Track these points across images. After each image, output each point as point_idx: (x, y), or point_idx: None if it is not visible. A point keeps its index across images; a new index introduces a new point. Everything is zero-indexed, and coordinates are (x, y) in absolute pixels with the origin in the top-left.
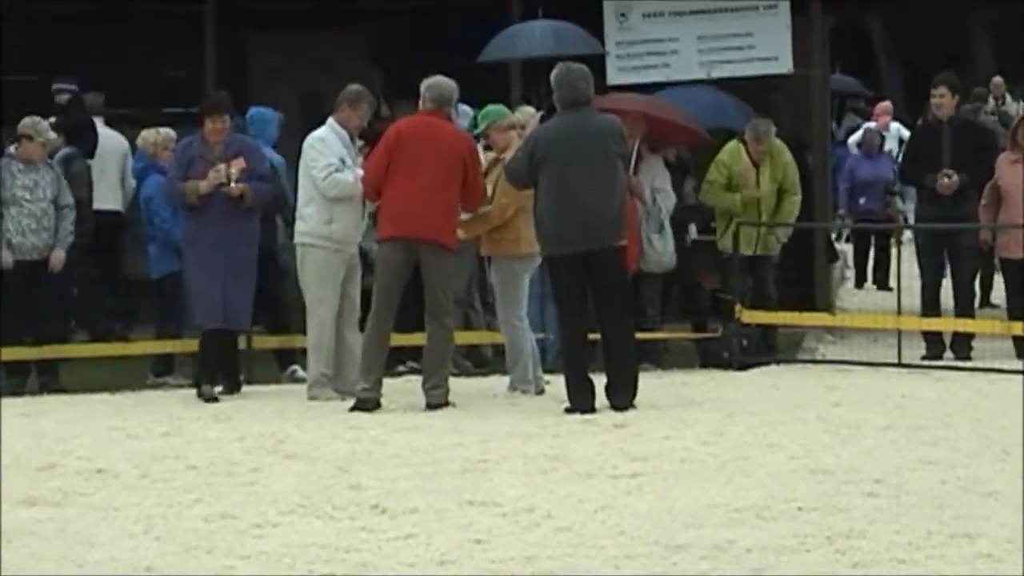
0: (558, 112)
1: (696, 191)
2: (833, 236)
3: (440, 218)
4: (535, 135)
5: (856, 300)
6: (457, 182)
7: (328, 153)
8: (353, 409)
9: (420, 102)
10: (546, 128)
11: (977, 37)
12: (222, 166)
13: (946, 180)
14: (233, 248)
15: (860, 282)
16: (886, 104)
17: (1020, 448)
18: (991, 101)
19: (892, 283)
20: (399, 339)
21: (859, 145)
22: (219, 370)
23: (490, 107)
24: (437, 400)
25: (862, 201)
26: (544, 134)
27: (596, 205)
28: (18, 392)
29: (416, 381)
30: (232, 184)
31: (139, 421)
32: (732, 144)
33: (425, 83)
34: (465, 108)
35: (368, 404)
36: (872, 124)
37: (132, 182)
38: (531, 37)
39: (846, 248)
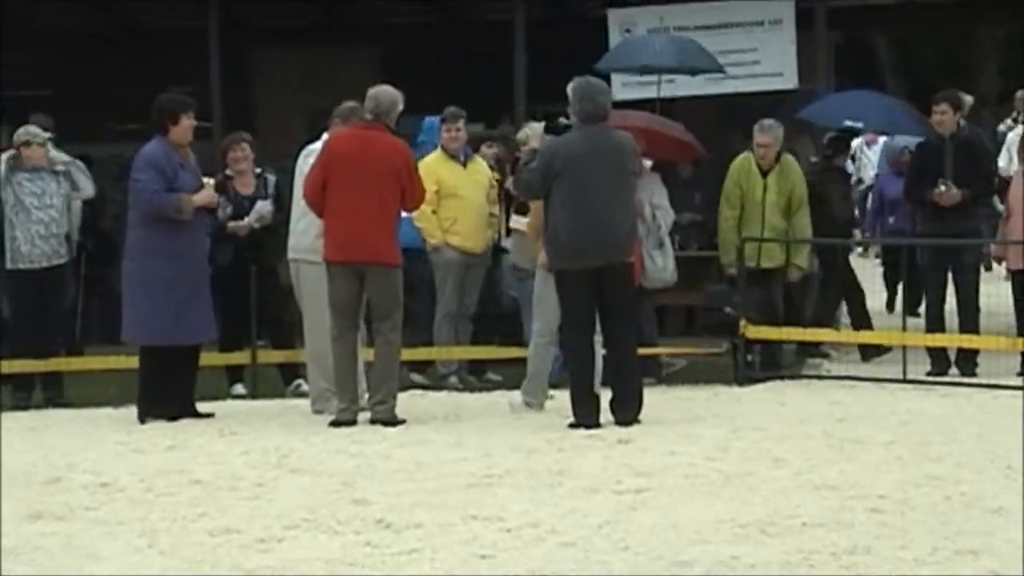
0: (575, 126)
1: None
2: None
3: (382, 239)
4: (552, 148)
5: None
6: (395, 194)
7: None
8: (331, 425)
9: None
10: (563, 142)
11: (982, 54)
12: (211, 180)
13: (943, 188)
14: (204, 259)
15: (892, 304)
16: None
17: None
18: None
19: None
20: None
21: (889, 162)
22: (169, 391)
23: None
24: (382, 416)
25: (891, 220)
26: (562, 148)
27: (612, 221)
28: (23, 406)
29: (423, 396)
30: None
31: (144, 435)
32: (741, 156)
33: (369, 92)
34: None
35: (344, 425)
36: (859, 140)
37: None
38: (651, 48)
39: (861, 264)
